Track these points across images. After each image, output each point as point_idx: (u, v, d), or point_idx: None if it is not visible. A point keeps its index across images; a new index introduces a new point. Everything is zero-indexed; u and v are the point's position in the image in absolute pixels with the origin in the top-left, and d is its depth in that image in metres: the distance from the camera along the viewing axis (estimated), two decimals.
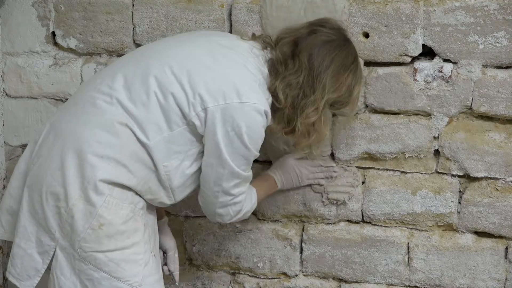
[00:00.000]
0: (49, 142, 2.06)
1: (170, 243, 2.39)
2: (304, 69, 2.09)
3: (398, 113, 2.38)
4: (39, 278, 2.05)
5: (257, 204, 2.26)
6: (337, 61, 2.11)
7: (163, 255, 2.39)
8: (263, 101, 2.05)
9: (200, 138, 2.05)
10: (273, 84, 2.10)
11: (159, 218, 2.32)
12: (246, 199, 2.17)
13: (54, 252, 2.02)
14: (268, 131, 2.15)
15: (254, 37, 2.23)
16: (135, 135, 2.01)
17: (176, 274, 2.40)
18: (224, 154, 2.03)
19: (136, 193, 2.05)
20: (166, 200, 2.12)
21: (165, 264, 2.39)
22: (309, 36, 2.13)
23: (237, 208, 2.16)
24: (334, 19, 2.21)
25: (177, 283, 2.41)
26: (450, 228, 2.42)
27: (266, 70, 2.12)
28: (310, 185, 2.47)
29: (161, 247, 2.37)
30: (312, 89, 2.09)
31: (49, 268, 2.05)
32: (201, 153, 2.08)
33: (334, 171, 2.44)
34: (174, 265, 2.39)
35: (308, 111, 2.10)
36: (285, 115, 2.12)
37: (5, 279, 2.69)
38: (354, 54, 2.18)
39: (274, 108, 2.11)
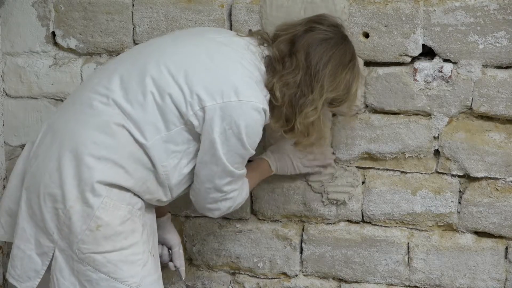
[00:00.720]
0: (46, 143, 2.06)
1: (175, 239, 2.39)
2: (302, 68, 2.08)
3: (398, 113, 2.38)
4: (39, 280, 2.05)
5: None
6: (335, 59, 2.09)
7: (168, 252, 2.39)
8: (261, 99, 2.04)
9: (197, 136, 2.05)
10: (270, 81, 2.09)
11: (161, 215, 2.33)
12: (238, 194, 2.17)
13: (53, 253, 2.02)
14: (268, 129, 2.14)
15: (250, 33, 2.22)
16: (132, 135, 2.00)
17: (182, 269, 2.40)
18: (219, 152, 2.02)
19: (135, 194, 2.04)
20: (163, 197, 2.11)
21: (171, 260, 2.39)
22: (306, 33, 2.11)
23: (228, 204, 2.15)
24: (331, 16, 2.19)
25: (183, 279, 2.42)
26: (450, 228, 2.42)
27: (263, 67, 2.10)
28: (310, 185, 2.47)
29: (165, 244, 2.38)
30: (310, 88, 2.08)
31: (49, 268, 2.04)
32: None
33: (330, 159, 2.41)
34: (180, 261, 2.40)
35: (307, 111, 2.08)
36: (283, 114, 2.10)
37: (5, 279, 2.69)
38: (352, 52, 2.16)
39: (272, 105, 2.09)
